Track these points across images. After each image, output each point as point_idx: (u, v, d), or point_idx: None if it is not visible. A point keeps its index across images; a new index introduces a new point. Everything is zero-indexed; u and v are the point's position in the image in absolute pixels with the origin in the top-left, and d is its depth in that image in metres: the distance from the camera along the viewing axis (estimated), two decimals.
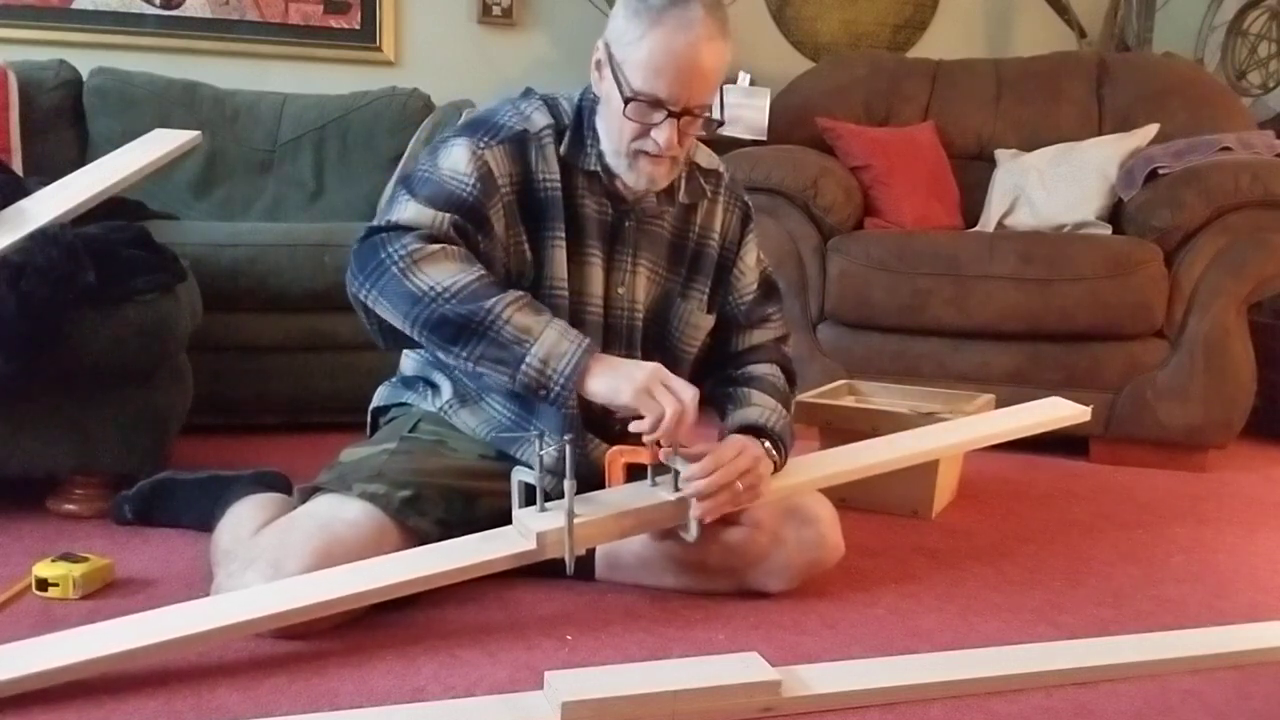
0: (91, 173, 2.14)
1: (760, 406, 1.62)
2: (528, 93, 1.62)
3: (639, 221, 1.62)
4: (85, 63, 3.04)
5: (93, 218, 1.99)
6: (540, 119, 1.57)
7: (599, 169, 1.56)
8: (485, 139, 1.53)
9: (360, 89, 3.22)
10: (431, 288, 1.42)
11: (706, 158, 1.73)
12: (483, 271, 1.46)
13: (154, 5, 3.25)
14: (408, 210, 1.49)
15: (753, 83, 3.45)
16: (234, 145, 3.06)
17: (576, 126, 1.57)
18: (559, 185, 1.55)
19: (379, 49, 3.46)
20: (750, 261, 1.75)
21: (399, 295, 1.43)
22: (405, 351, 1.75)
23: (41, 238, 1.80)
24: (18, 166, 2.71)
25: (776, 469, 1.59)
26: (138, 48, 3.22)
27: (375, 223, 1.49)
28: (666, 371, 1.45)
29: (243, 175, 3.06)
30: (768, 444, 1.57)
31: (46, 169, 2.51)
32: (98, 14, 3.20)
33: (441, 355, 1.47)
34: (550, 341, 1.42)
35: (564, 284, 1.57)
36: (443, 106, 3.11)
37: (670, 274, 1.68)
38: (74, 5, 3.18)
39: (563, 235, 1.56)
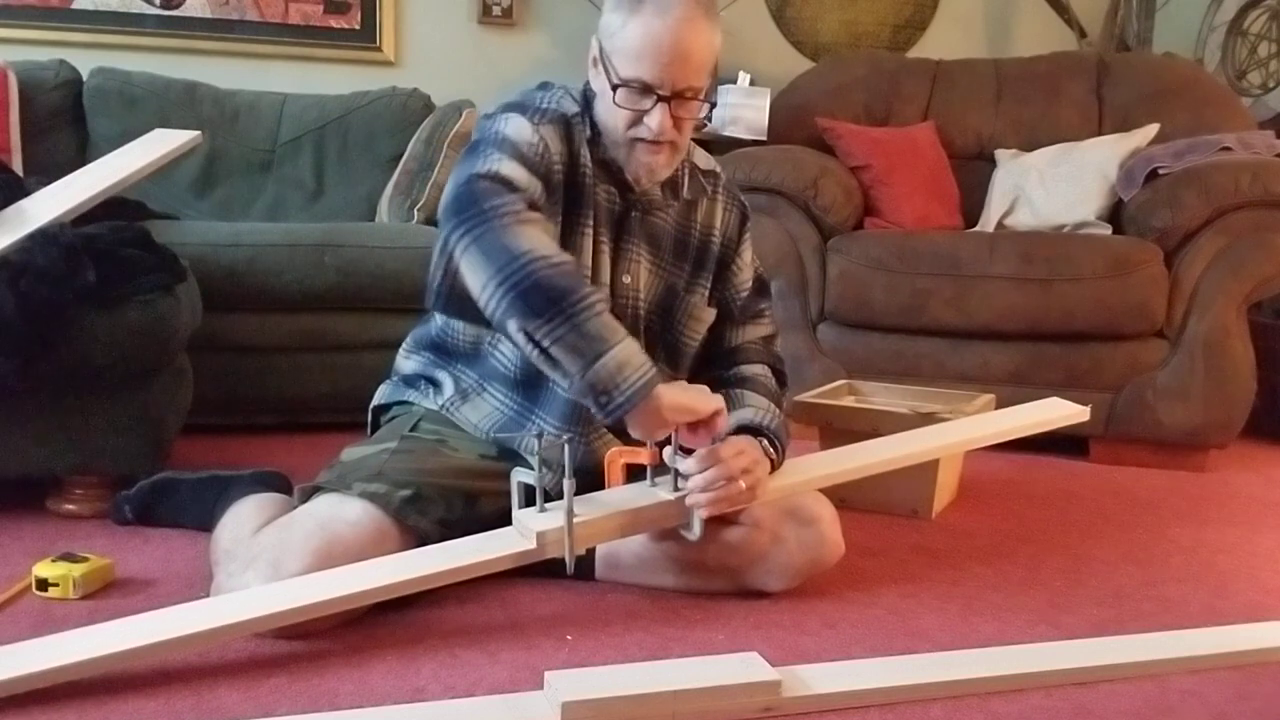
0: (91, 173, 2.14)
1: (755, 407, 1.63)
2: (545, 85, 1.64)
3: (644, 213, 1.65)
4: (85, 63, 3.04)
5: (93, 218, 1.99)
6: (570, 105, 1.60)
7: (609, 158, 1.59)
8: (536, 117, 1.55)
9: (360, 89, 3.23)
10: (532, 249, 1.36)
11: (704, 159, 1.76)
12: (574, 260, 1.46)
13: (154, 5, 3.25)
14: (505, 166, 1.45)
15: (753, 83, 3.45)
16: (234, 145, 3.06)
17: (588, 116, 1.60)
18: (590, 173, 1.58)
19: (379, 49, 3.46)
20: (747, 259, 1.78)
21: (497, 248, 1.36)
22: (404, 353, 1.76)
23: (41, 238, 1.80)
24: (18, 166, 2.71)
25: (774, 468, 1.60)
26: (138, 48, 3.22)
27: (477, 169, 1.43)
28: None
29: (243, 175, 3.06)
30: (765, 442, 1.58)
31: (46, 169, 2.50)
32: (98, 14, 3.20)
33: (512, 326, 1.37)
34: (630, 350, 1.37)
35: (588, 273, 1.58)
36: (443, 107, 3.11)
37: (675, 268, 1.70)
38: (74, 5, 3.18)
39: (592, 222, 1.58)
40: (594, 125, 1.59)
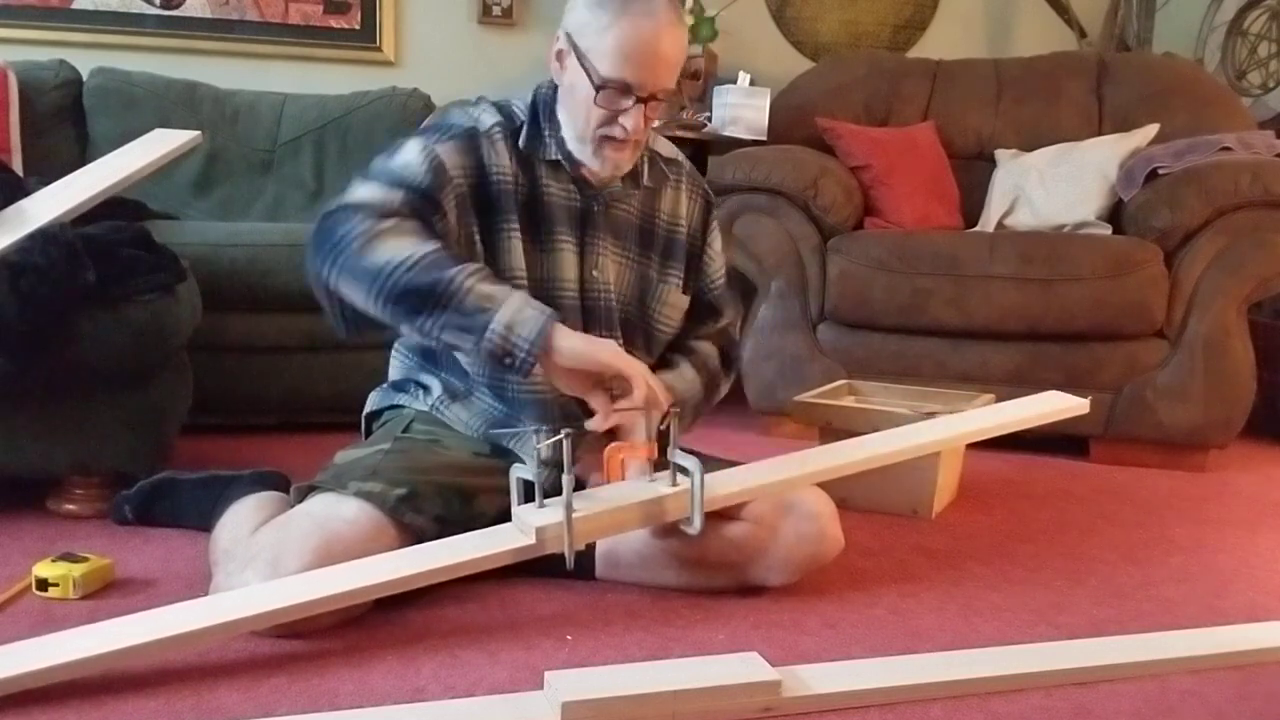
0: (91, 173, 2.14)
1: (680, 375, 1.70)
2: (479, 100, 1.67)
3: (606, 206, 1.67)
4: (85, 63, 3.04)
5: (93, 218, 1.99)
6: (489, 118, 1.61)
7: (560, 157, 1.61)
8: (435, 137, 1.58)
9: (360, 89, 3.22)
10: (389, 260, 1.42)
11: (666, 147, 1.79)
12: (440, 244, 1.47)
13: (154, 5, 3.25)
14: (360, 191, 1.51)
15: (753, 83, 3.45)
16: (234, 145, 3.06)
17: (533, 119, 1.62)
18: (511, 178, 1.59)
19: (379, 49, 3.46)
20: (717, 247, 1.82)
21: (359, 271, 1.43)
22: (392, 355, 1.78)
23: (41, 238, 1.80)
24: (18, 166, 2.71)
25: (665, 418, 1.56)
26: (138, 48, 3.22)
27: (330, 206, 1.51)
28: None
29: (243, 175, 3.06)
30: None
31: (46, 169, 2.50)
32: (98, 14, 3.20)
33: (405, 329, 1.47)
34: (514, 307, 1.42)
35: (523, 273, 1.60)
36: (443, 107, 3.11)
37: (642, 257, 1.73)
38: (74, 5, 3.18)
39: (517, 225, 1.60)
40: (538, 127, 1.61)
